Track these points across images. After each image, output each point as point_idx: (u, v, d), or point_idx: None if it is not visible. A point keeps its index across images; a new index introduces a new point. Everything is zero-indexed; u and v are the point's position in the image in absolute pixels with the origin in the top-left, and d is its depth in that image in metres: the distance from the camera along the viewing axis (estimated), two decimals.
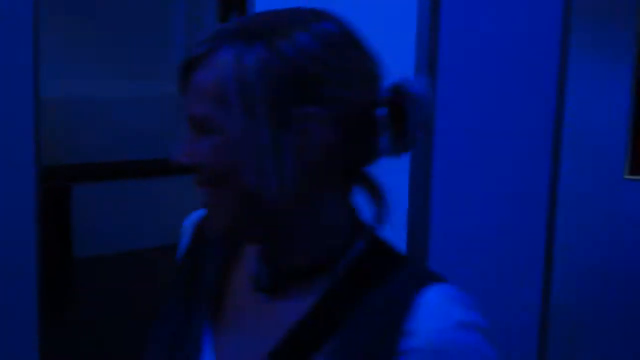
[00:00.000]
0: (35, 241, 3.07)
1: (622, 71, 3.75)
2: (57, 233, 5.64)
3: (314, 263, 1.04)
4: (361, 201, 1.06)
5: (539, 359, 2.28)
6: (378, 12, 1.96)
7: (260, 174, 0.97)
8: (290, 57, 0.95)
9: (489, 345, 0.99)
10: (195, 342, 1.10)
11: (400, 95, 1.00)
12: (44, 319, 3.11)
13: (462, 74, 2.08)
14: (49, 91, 4.03)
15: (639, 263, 3.90)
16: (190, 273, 1.18)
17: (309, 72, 0.96)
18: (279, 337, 1.02)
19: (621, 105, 3.79)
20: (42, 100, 3.34)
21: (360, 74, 1.00)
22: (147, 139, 6.51)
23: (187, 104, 0.99)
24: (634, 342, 3.94)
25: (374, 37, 1.08)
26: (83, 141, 6.29)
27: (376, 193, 1.05)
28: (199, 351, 1.08)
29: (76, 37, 5.20)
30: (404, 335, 0.97)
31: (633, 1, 3.71)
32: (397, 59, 1.58)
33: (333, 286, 1.03)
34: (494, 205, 2.23)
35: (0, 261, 2.94)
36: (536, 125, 2.28)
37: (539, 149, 2.28)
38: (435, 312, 0.97)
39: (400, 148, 1.01)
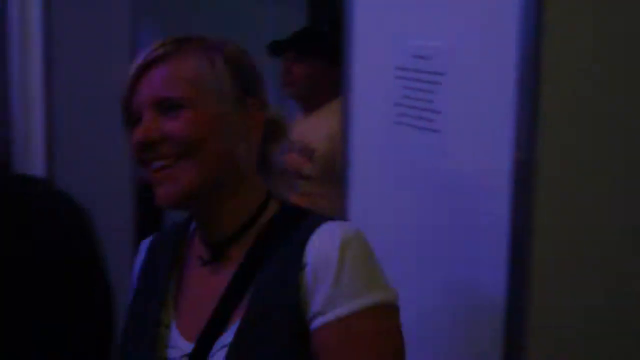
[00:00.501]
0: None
1: None
2: None
3: (240, 227, 1.33)
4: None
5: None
6: None
7: (232, 140, 1.31)
8: (236, 61, 1.35)
9: (357, 267, 1.23)
10: (154, 325, 1.38)
11: (275, 119, 1.44)
12: None
13: None
14: None
15: None
16: (147, 278, 1.47)
17: (245, 72, 1.36)
18: (221, 294, 1.30)
19: None
20: None
21: (262, 82, 1.40)
22: None
23: (155, 89, 1.29)
24: None
25: None
26: None
27: (277, 174, 1.44)
28: (158, 333, 1.38)
29: None
30: (301, 269, 1.24)
31: None
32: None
33: (250, 247, 1.31)
34: None
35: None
36: None
37: None
38: (321, 238, 1.25)
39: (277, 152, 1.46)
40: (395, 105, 1.95)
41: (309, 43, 3.18)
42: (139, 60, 1.32)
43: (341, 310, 1.21)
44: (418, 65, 1.85)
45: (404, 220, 1.97)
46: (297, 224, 1.31)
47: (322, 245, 1.25)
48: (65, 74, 3.52)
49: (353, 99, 2.13)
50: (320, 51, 3.09)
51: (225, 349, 1.25)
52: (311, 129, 3.32)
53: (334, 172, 2.73)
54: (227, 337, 1.26)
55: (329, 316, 1.21)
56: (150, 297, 1.43)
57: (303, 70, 3.23)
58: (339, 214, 2.22)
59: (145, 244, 1.54)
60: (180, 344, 1.34)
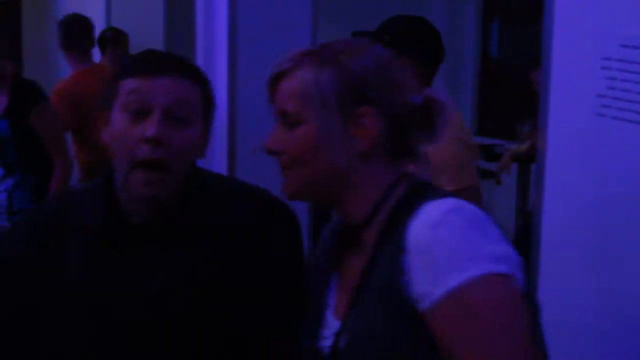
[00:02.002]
0: None
1: None
2: None
3: (366, 216, 1.38)
4: None
5: None
6: None
7: (332, 151, 1.37)
8: (351, 71, 1.36)
9: (463, 242, 1.23)
10: (323, 292, 1.48)
11: (431, 101, 1.41)
12: None
13: None
14: None
15: None
16: (319, 260, 1.57)
17: (363, 80, 1.37)
18: (357, 282, 1.37)
19: None
20: None
21: (399, 84, 1.39)
22: None
23: (276, 103, 1.41)
24: None
25: None
26: None
27: (417, 160, 1.44)
28: (327, 296, 1.47)
29: None
30: (403, 254, 1.27)
31: None
32: None
33: (379, 231, 1.36)
34: None
35: None
36: None
37: None
38: (417, 223, 1.27)
39: (428, 139, 1.42)
40: (597, 97, 1.91)
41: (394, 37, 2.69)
42: (270, 75, 1.44)
43: (445, 288, 1.21)
44: (626, 55, 1.80)
45: (607, 217, 1.93)
46: (412, 208, 1.32)
47: (417, 228, 1.27)
48: (248, 75, 3.62)
49: (551, 90, 2.10)
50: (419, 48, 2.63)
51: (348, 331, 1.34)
52: None
53: None
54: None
55: (435, 295, 1.22)
56: (321, 278, 1.52)
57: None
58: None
59: (328, 228, 1.60)
60: (332, 322, 1.42)
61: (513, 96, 5.57)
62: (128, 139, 1.47)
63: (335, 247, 1.50)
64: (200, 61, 3.89)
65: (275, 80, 1.42)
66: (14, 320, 1.58)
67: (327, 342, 1.40)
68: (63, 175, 3.56)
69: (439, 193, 1.36)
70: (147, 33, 5.65)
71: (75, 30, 4.72)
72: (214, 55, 3.96)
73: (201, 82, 1.55)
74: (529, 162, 4.79)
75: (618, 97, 1.84)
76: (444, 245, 1.23)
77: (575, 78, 2.01)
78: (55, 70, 6.61)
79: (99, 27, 5.68)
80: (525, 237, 3.21)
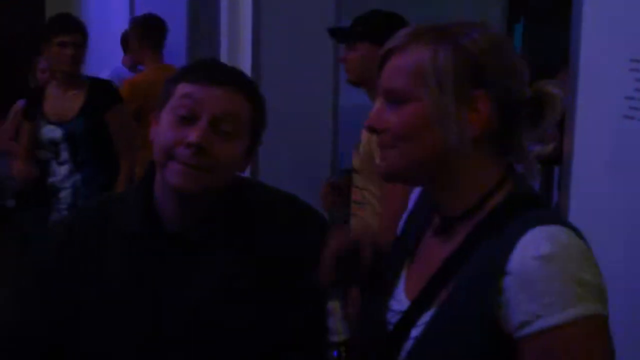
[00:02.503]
0: None
1: None
2: None
3: (467, 208, 1.34)
4: None
5: None
6: None
7: (445, 130, 1.31)
8: (469, 52, 1.31)
9: (569, 281, 1.19)
10: (396, 272, 1.45)
11: (542, 94, 1.35)
12: None
13: None
14: (346, 99, 4.19)
15: None
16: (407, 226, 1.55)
17: (481, 63, 1.31)
18: (437, 269, 1.34)
19: None
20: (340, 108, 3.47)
21: (515, 70, 1.33)
22: None
23: (384, 80, 1.37)
24: None
25: None
26: None
27: (525, 160, 1.38)
28: (398, 278, 1.44)
29: None
30: (504, 274, 1.22)
31: None
32: None
33: (474, 229, 1.32)
34: None
35: None
36: None
37: None
38: (526, 246, 1.21)
39: (534, 137, 1.37)
40: (626, 99, 1.90)
41: (361, 27, 2.71)
42: (380, 53, 1.40)
43: (547, 321, 1.19)
44: None
45: (637, 223, 1.92)
46: (513, 217, 1.29)
47: (528, 255, 1.22)
48: (272, 72, 3.64)
49: (578, 92, 2.09)
50: (370, 33, 2.61)
51: (421, 329, 1.32)
52: None
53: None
54: (427, 316, 1.32)
55: (535, 327, 1.20)
56: (401, 245, 1.52)
57: (353, 56, 2.78)
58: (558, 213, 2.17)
59: (415, 193, 1.59)
60: (401, 297, 1.41)
61: None
62: (171, 140, 1.48)
63: (422, 227, 1.47)
64: (223, 60, 3.90)
65: (384, 58, 1.38)
66: (55, 322, 1.59)
67: (393, 318, 1.40)
68: (126, 176, 3.66)
69: (548, 214, 1.31)
70: (170, 32, 5.69)
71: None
72: (237, 54, 3.97)
73: (255, 98, 1.56)
74: (553, 164, 4.76)
75: None
76: (554, 282, 1.20)
77: (603, 80, 2.01)
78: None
79: (122, 26, 5.72)
80: None
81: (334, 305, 1.38)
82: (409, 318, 1.35)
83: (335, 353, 1.36)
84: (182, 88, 1.51)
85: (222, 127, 1.49)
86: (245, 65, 3.75)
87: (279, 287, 1.54)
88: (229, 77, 1.55)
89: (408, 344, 1.33)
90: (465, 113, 1.31)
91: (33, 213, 3.77)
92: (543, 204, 1.35)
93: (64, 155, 3.56)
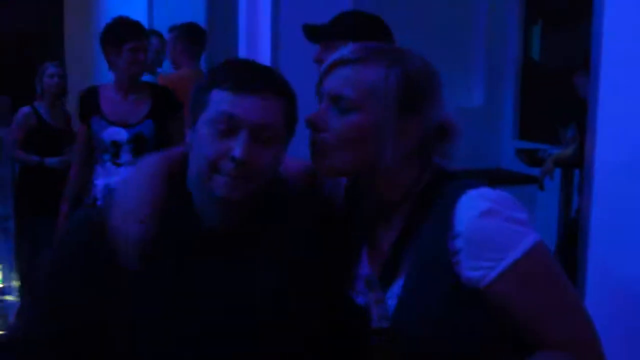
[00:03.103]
0: None
1: None
2: None
3: (397, 198, 1.53)
4: None
5: None
6: None
7: (381, 146, 1.48)
8: (413, 79, 1.48)
9: (510, 224, 1.41)
10: (357, 255, 1.62)
11: (448, 122, 1.54)
12: None
13: None
14: None
15: None
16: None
17: (421, 91, 1.49)
18: (389, 249, 1.53)
19: None
20: None
21: (440, 100, 1.52)
22: None
23: (334, 87, 1.50)
24: None
25: None
26: None
27: (443, 154, 1.56)
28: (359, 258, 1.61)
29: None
30: (453, 238, 1.42)
31: None
32: None
33: (409, 211, 1.52)
34: None
35: None
36: None
37: None
38: (466, 209, 1.43)
39: (440, 155, 1.56)
40: None
41: (341, 27, 2.51)
42: (332, 58, 1.53)
43: (506, 262, 1.39)
44: None
45: None
46: (442, 188, 1.50)
47: (470, 215, 1.42)
48: (291, 73, 3.61)
49: (600, 94, 2.10)
50: (351, 33, 2.40)
51: (396, 299, 1.49)
52: None
53: None
54: (396, 288, 1.50)
55: (496, 271, 1.40)
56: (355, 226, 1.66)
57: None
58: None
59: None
60: (365, 267, 1.59)
61: (556, 100, 5.54)
62: (214, 154, 1.49)
63: (363, 220, 1.62)
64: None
65: (335, 65, 1.52)
66: (105, 314, 1.59)
67: (361, 298, 1.56)
68: None
69: (470, 181, 1.50)
70: None
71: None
72: (256, 57, 3.98)
73: (289, 100, 1.57)
74: (573, 167, 4.76)
75: None
76: (498, 231, 1.41)
77: (625, 82, 2.01)
78: (100, 74, 6.68)
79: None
80: (571, 244, 3.18)
81: (375, 294, 1.43)
82: (374, 282, 1.50)
83: (374, 340, 1.41)
84: (218, 95, 1.51)
85: (262, 135, 1.50)
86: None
87: (313, 273, 1.61)
88: (265, 81, 1.54)
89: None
90: (400, 134, 1.48)
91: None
92: (467, 177, 1.53)
93: (125, 156, 3.61)
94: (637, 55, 1.95)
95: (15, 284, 2.29)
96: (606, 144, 2.09)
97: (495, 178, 5.75)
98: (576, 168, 4.58)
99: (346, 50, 1.52)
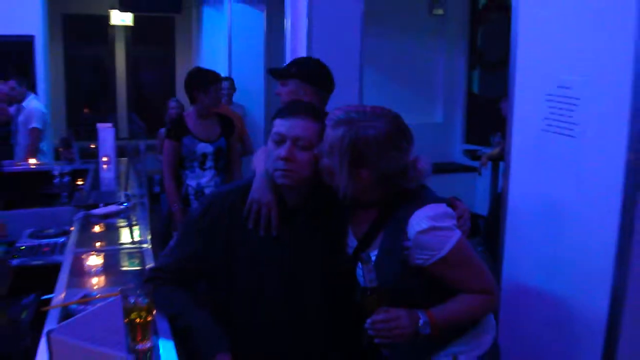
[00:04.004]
0: None
1: None
2: None
3: (367, 202, 1.47)
4: None
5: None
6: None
7: (336, 182, 1.43)
8: (363, 142, 1.39)
9: (442, 232, 1.40)
10: (345, 235, 1.57)
11: (414, 165, 1.44)
12: None
13: None
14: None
15: None
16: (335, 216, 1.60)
17: (371, 152, 1.39)
18: (364, 232, 1.50)
19: None
20: None
21: (395, 155, 1.41)
22: None
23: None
24: None
25: None
26: None
27: (408, 182, 1.45)
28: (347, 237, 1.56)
29: (380, 85, 5.33)
30: (406, 239, 1.40)
31: None
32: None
33: (380, 210, 1.47)
34: None
35: None
36: None
37: None
38: (413, 226, 1.40)
39: (406, 184, 1.45)
40: (543, 119, 1.89)
41: (294, 68, 2.28)
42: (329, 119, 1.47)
43: (443, 253, 1.41)
44: (561, 93, 1.80)
45: (551, 197, 1.87)
46: (399, 205, 1.46)
47: (416, 230, 1.40)
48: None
49: (514, 114, 2.06)
50: (300, 73, 2.25)
51: (374, 258, 1.47)
52: None
53: None
54: (372, 253, 1.48)
55: (436, 258, 1.41)
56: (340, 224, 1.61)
57: (286, 90, 2.25)
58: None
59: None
60: (350, 239, 1.55)
61: (488, 118, 5.51)
62: (273, 157, 1.53)
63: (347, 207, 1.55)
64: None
65: (296, 111, 1.52)
66: (221, 258, 1.59)
67: (350, 249, 1.54)
68: (237, 179, 3.51)
69: (423, 199, 1.45)
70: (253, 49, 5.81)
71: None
72: None
73: (319, 121, 1.53)
74: (499, 161, 4.74)
75: (556, 119, 1.82)
76: (433, 240, 1.41)
77: (530, 107, 1.97)
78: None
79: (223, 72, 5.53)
80: (497, 211, 3.10)
81: (367, 265, 1.42)
82: (360, 249, 1.52)
83: (368, 292, 1.42)
84: (276, 122, 1.55)
85: (299, 143, 1.51)
86: None
87: (336, 237, 1.59)
88: (302, 110, 1.55)
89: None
90: (352, 178, 1.43)
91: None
92: (419, 192, 1.47)
93: (209, 163, 3.42)
94: (537, 90, 1.90)
95: (149, 237, 2.35)
96: (518, 146, 2.05)
97: (450, 168, 5.72)
98: (501, 161, 4.54)
99: (333, 114, 1.46)
